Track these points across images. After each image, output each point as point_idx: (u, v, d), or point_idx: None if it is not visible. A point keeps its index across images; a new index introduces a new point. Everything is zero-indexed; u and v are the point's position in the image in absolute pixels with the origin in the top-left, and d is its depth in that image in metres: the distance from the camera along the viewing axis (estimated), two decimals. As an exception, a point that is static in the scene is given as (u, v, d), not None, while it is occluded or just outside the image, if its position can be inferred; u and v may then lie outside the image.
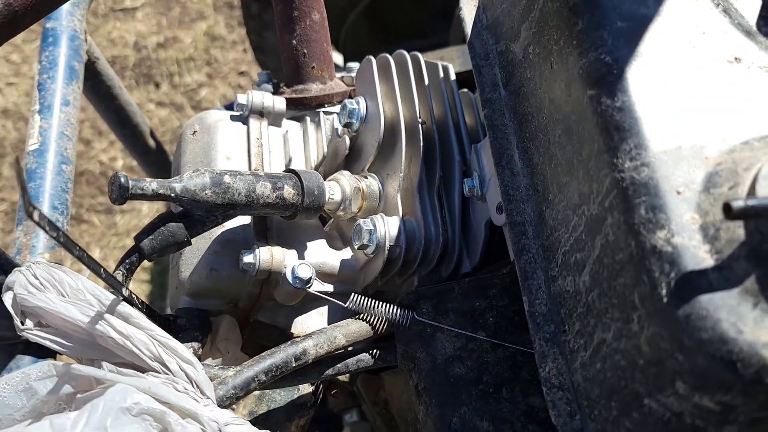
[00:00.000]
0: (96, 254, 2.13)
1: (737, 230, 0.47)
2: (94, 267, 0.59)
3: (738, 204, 0.43)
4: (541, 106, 0.66)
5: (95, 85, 1.17)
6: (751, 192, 0.47)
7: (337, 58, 1.69)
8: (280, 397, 0.78)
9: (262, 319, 0.83)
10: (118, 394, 0.58)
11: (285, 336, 0.81)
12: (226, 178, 0.70)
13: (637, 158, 0.51)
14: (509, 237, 0.68)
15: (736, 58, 0.55)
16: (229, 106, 1.71)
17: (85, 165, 2.32)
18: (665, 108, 0.53)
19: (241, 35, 2.51)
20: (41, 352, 0.82)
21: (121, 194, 0.63)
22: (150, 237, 0.67)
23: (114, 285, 0.62)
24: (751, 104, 0.53)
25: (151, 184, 0.65)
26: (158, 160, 1.41)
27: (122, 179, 0.63)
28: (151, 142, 1.36)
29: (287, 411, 0.77)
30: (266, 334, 0.81)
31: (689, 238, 0.47)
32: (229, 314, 0.82)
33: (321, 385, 0.81)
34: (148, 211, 2.20)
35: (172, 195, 0.66)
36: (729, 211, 0.43)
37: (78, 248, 0.55)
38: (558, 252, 0.63)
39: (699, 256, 0.47)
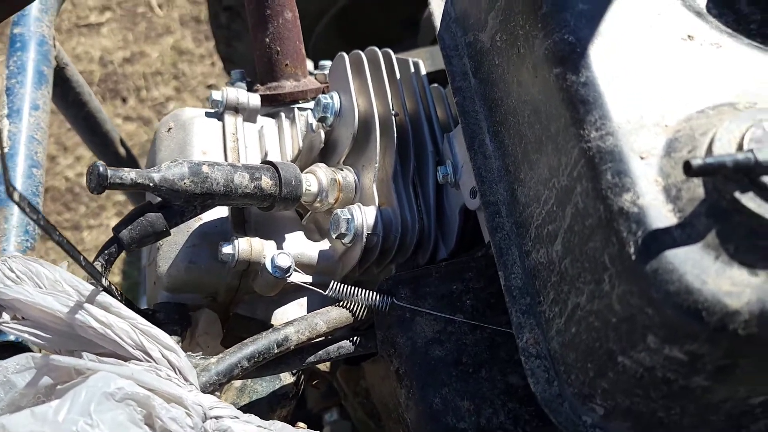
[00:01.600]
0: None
1: (697, 189, 0.49)
2: (74, 254, 0.59)
3: (697, 162, 0.46)
4: (510, 90, 0.69)
5: (64, 92, 1.17)
6: (708, 153, 0.50)
7: (308, 64, 1.71)
8: (262, 387, 0.78)
9: (241, 312, 0.83)
10: (100, 380, 0.58)
11: (265, 328, 0.81)
12: (204, 168, 0.71)
13: (602, 128, 0.54)
14: (484, 216, 0.71)
15: (689, 36, 0.58)
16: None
17: (51, 181, 2.28)
18: (626, 82, 0.56)
19: (209, 49, 2.52)
20: (18, 353, 0.81)
21: (100, 183, 0.63)
22: (129, 227, 0.67)
23: (93, 274, 0.63)
24: (704, 77, 0.56)
25: (130, 174, 0.66)
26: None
27: (101, 168, 0.63)
28: (122, 150, 1.35)
29: (269, 401, 0.78)
30: (246, 327, 0.82)
31: (654, 199, 0.50)
32: (208, 308, 0.82)
33: (302, 376, 0.82)
34: (118, 225, 2.17)
35: (151, 184, 0.67)
36: (689, 169, 0.46)
37: (57, 233, 0.55)
38: (531, 227, 0.65)
39: (663, 215, 0.49)
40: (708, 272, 0.47)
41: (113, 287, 0.67)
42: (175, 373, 0.63)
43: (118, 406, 0.57)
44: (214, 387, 0.66)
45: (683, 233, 0.48)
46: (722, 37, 0.59)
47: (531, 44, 0.63)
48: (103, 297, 0.64)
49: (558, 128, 0.59)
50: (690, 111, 0.54)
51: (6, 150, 0.94)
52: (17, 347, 0.81)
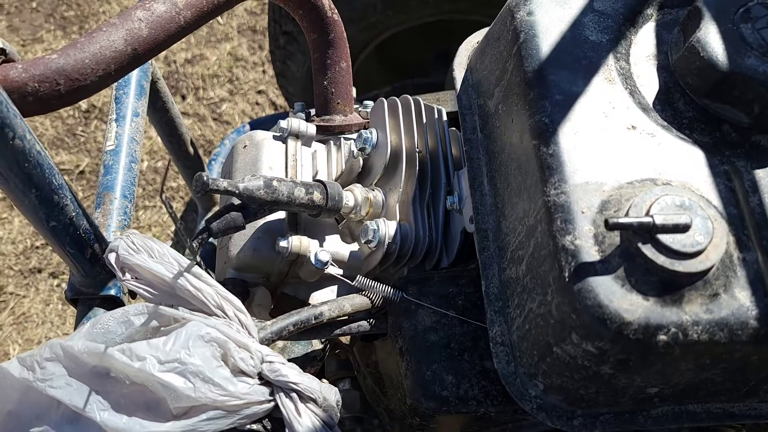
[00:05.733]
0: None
1: (615, 238, 0.73)
2: (184, 236, 0.84)
3: (613, 221, 0.69)
4: (504, 148, 0.93)
5: (154, 101, 1.43)
6: (626, 215, 0.73)
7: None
8: (298, 349, 1.03)
9: (287, 292, 1.08)
10: (195, 326, 0.83)
11: (305, 306, 1.06)
12: (274, 182, 0.96)
13: (558, 188, 0.77)
14: (475, 240, 0.94)
15: (632, 126, 0.82)
16: (253, 123, 1.97)
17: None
18: (581, 156, 0.79)
19: (262, 57, 2.78)
20: (112, 306, 1.07)
21: (203, 188, 0.88)
22: (218, 221, 0.92)
23: (193, 252, 0.88)
24: (637, 158, 0.79)
25: (223, 182, 0.91)
26: (194, 165, 1.67)
27: (204, 177, 0.88)
28: (191, 150, 1.61)
29: (302, 360, 1.02)
30: (290, 303, 1.07)
31: (585, 242, 0.74)
32: (263, 286, 1.07)
33: (328, 344, 1.06)
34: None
35: (236, 191, 0.92)
36: (607, 224, 0.70)
37: (180, 222, 0.81)
38: (508, 251, 0.89)
39: (590, 253, 0.73)
40: (615, 295, 0.70)
41: (201, 263, 0.92)
42: (243, 328, 0.88)
43: (206, 345, 0.82)
44: (268, 342, 0.91)
45: (602, 267, 0.72)
46: (657, 128, 0.83)
47: (521, 118, 0.87)
48: (197, 269, 0.89)
49: (531, 183, 0.83)
50: (622, 182, 0.77)
51: (113, 147, 1.21)
52: (115, 300, 1.07)
